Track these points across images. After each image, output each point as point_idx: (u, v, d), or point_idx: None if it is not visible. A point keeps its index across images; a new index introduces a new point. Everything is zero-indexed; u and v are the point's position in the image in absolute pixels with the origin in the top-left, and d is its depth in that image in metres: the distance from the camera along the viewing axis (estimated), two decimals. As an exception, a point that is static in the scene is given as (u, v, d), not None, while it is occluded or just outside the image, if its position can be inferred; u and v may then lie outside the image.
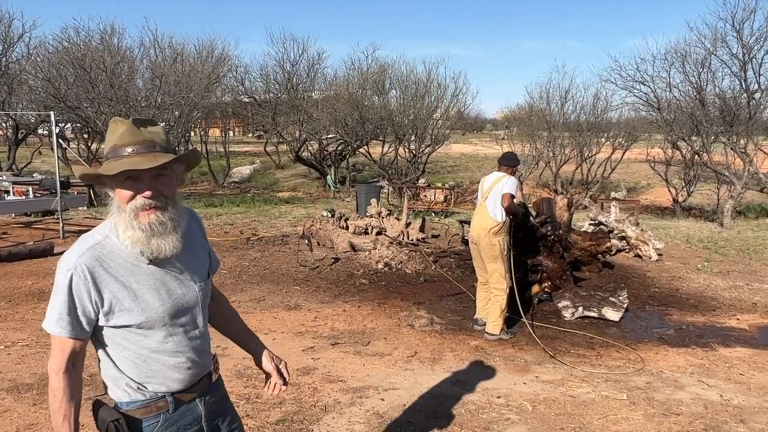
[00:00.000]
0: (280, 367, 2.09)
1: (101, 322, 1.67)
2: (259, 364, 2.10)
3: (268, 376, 2.09)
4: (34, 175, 15.13)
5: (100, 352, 1.74)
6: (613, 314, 6.18)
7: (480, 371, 4.76)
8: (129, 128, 1.61)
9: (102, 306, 1.64)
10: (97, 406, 1.74)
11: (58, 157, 11.87)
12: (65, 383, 1.65)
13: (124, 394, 1.74)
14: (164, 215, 1.63)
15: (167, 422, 1.77)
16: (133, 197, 1.61)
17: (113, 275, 1.64)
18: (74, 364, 1.67)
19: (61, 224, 10.10)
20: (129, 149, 1.58)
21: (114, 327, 1.68)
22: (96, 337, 1.71)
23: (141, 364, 1.72)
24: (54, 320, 1.63)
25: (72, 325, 1.63)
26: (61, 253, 7.48)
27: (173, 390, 1.78)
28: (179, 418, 1.80)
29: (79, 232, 10.38)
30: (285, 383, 2.08)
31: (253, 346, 2.11)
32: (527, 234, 6.47)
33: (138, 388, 1.73)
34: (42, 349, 5.03)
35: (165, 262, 1.71)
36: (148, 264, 1.68)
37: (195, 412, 1.85)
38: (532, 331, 5.67)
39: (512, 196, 5.38)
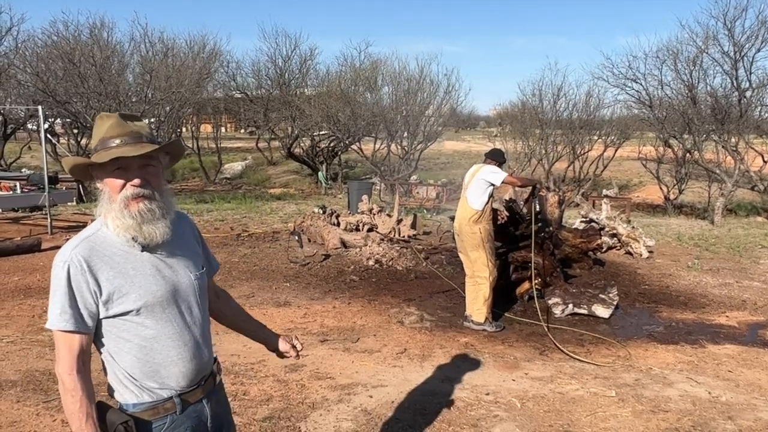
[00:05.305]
0: (294, 343, 2.22)
1: (102, 314, 1.67)
2: (274, 348, 2.21)
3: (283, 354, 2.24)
4: (23, 170, 15.01)
5: (104, 353, 1.73)
6: (603, 311, 6.18)
7: (469, 368, 4.73)
8: (116, 121, 1.68)
9: (101, 295, 1.65)
10: (103, 408, 1.71)
11: (47, 152, 11.76)
12: (81, 382, 1.64)
13: (131, 395, 1.73)
14: (152, 203, 1.69)
15: (174, 424, 1.76)
16: (123, 186, 1.66)
17: (109, 263, 1.66)
18: (84, 362, 1.66)
19: (49, 220, 10.02)
20: (117, 140, 1.65)
21: (114, 316, 1.68)
22: (97, 335, 1.71)
23: (143, 357, 1.71)
24: (56, 315, 1.62)
25: (75, 318, 1.63)
26: (48, 249, 7.31)
27: (179, 388, 1.77)
28: (186, 420, 1.79)
29: (68, 228, 10.36)
30: (298, 355, 2.26)
31: (264, 335, 2.23)
32: (517, 229, 6.45)
33: (143, 386, 1.72)
34: (27, 346, 4.97)
35: (157, 250, 1.74)
36: (142, 251, 1.72)
37: (202, 414, 1.84)
38: (550, 336, 5.65)
39: (508, 175, 5.68)
